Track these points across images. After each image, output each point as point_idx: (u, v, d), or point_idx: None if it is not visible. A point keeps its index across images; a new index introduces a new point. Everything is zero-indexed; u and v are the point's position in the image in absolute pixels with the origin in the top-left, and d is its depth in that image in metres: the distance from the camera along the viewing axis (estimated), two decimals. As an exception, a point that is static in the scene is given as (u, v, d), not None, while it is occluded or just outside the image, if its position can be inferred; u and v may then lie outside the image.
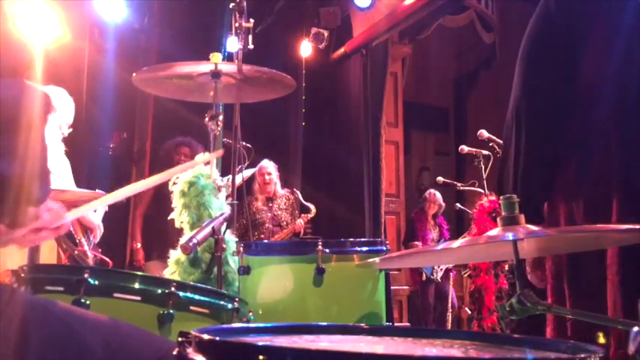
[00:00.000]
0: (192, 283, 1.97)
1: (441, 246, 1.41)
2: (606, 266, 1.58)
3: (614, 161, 1.62)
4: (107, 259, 3.18)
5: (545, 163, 1.74)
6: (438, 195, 6.35)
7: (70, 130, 3.38)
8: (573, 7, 1.75)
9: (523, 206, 1.29)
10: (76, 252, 2.97)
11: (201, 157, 2.53)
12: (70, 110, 3.40)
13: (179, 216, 2.43)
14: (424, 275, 6.06)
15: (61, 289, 1.34)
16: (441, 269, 5.95)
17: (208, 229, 1.89)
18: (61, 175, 3.14)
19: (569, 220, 1.67)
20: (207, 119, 2.56)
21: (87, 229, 3.24)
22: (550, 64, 1.76)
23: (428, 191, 6.44)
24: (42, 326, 1.06)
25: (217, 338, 0.80)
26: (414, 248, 5.50)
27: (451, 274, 5.87)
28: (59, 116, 3.33)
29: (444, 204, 6.40)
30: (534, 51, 1.79)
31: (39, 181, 1.07)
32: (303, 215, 5.04)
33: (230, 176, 2.62)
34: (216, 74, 2.52)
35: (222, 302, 1.51)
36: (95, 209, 3.34)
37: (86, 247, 3.10)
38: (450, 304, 5.65)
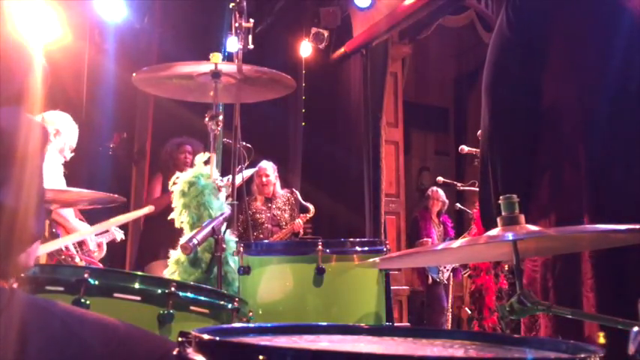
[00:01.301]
0: (192, 283, 1.98)
1: (441, 246, 1.41)
2: (582, 282, 1.58)
3: (583, 177, 1.62)
4: (100, 265, 3.18)
5: (521, 189, 1.75)
6: (441, 192, 6.33)
7: (72, 154, 3.42)
8: (529, 29, 1.74)
9: None
10: (62, 257, 2.97)
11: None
12: (74, 135, 3.45)
13: (179, 216, 2.43)
14: (430, 278, 6.01)
15: (61, 289, 1.34)
16: (447, 269, 5.89)
17: (208, 229, 1.89)
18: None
19: None
20: (207, 119, 2.56)
21: (80, 244, 3.26)
22: (513, 89, 1.76)
23: (430, 189, 6.40)
24: (41, 326, 1.06)
25: (217, 338, 0.80)
26: (418, 247, 5.51)
27: (451, 274, 5.84)
28: (64, 139, 3.39)
29: (447, 201, 6.39)
30: (496, 79, 1.79)
31: (35, 217, 1.06)
32: (301, 215, 5.04)
33: (230, 176, 2.62)
34: (216, 74, 2.52)
35: (222, 302, 1.50)
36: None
37: (73, 251, 3.10)
38: (448, 304, 5.65)
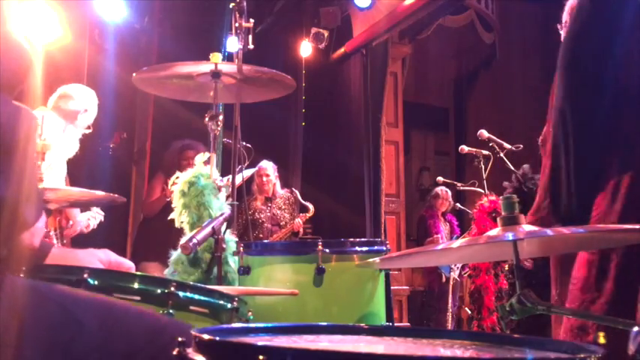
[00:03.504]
0: (192, 283, 1.97)
1: (441, 246, 1.41)
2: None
3: None
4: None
5: (594, 167, 1.67)
6: (449, 192, 6.35)
7: (90, 130, 3.44)
8: (607, 5, 1.69)
9: (579, 218, 1.27)
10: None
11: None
12: (94, 111, 3.46)
13: (179, 216, 2.43)
14: (444, 277, 5.99)
15: (61, 289, 1.34)
16: (457, 267, 5.86)
17: (208, 229, 1.89)
18: (55, 176, 3.16)
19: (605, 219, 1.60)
20: (207, 119, 2.56)
21: (60, 224, 3.26)
22: (592, 67, 1.70)
23: (440, 188, 6.33)
24: (38, 310, 1.06)
25: (217, 338, 0.80)
26: (430, 245, 5.51)
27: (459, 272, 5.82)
28: (89, 117, 3.40)
29: (452, 201, 6.41)
30: (577, 53, 1.72)
31: (33, 204, 1.07)
32: (301, 215, 5.05)
33: (230, 176, 2.62)
34: (216, 74, 2.52)
35: (221, 302, 1.50)
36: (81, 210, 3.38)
37: (55, 242, 3.09)
38: (449, 304, 5.65)
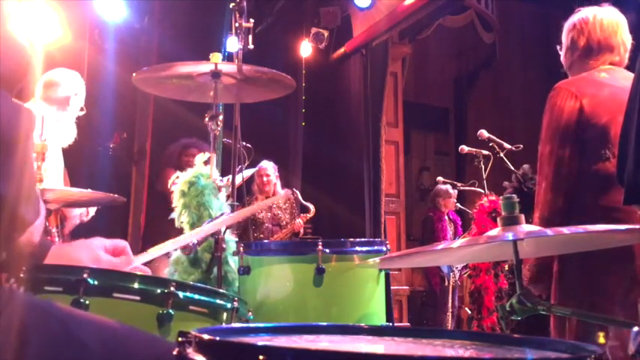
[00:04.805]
0: (191, 282, 1.97)
1: (440, 246, 1.41)
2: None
3: None
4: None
5: None
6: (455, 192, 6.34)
7: (83, 112, 3.41)
8: None
9: None
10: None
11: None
12: (83, 92, 3.44)
13: (179, 216, 2.43)
14: (446, 280, 5.97)
15: (60, 289, 1.34)
16: (457, 269, 5.84)
17: (208, 229, 1.89)
18: (54, 172, 3.15)
19: None
20: (207, 119, 2.56)
21: (62, 220, 3.25)
22: None
23: (446, 186, 6.26)
24: (40, 328, 1.06)
25: (217, 338, 0.80)
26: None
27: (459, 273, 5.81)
28: (79, 100, 3.37)
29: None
30: None
31: (32, 203, 1.07)
32: (302, 215, 5.05)
33: (230, 176, 2.62)
34: (216, 74, 2.52)
35: (221, 302, 1.50)
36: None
37: (57, 239, 3.10)
38: (449, 304, 5.65)
